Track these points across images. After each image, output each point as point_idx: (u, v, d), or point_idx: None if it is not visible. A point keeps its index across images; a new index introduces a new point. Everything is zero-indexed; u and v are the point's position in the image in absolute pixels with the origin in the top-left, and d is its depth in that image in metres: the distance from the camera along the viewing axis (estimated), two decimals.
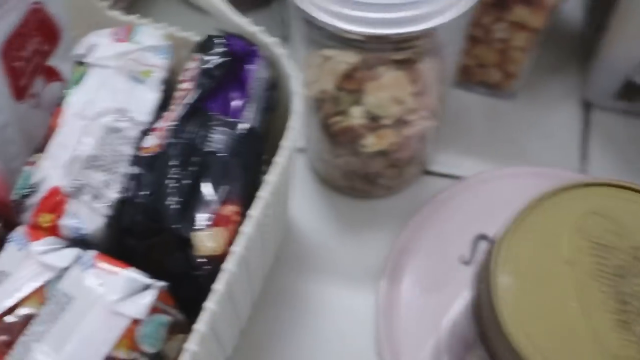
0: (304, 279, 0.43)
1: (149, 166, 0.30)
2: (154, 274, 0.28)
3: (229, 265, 0.28)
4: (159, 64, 0.33)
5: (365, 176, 0.43)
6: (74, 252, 0.28)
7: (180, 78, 0.33)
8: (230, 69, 0.32)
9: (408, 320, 0.40)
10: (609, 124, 0.48)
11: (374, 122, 0.39)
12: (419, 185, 0.46)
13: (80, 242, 0.29)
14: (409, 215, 0.44)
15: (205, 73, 0.31)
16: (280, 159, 0.31)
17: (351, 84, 0.39)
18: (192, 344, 0.27)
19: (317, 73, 0.39)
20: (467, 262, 0.41)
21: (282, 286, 0.43)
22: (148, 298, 0.26)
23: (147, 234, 0.29)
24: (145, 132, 0.31)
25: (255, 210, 0.29)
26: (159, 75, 0.33)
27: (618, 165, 0.47)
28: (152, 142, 0.30)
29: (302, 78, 0.41)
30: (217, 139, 0.31)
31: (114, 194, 0.29)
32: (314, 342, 0.41)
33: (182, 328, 0.29)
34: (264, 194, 0.30)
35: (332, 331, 0.41)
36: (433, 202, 0.44)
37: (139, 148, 0.31)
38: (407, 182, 0.45)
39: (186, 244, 0.29)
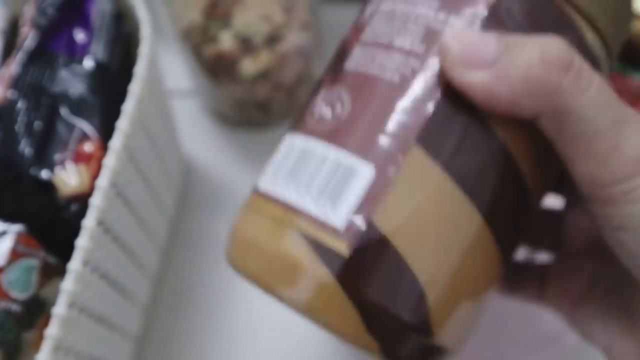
0: (216, 220, 0.42)
1: None
2: (25, 223, 0.28)
3: (95, 200, 0.28)
4: None
5: (255, 104, 0.42)
6: None
7: (21, 23, 0.31)
8: (70, 5, 0.31)
9: None
10: None
11: (246, 44, 0.38)
12: None
13: None
14: None
15: (40, 13, 0.30)
16: (135, 87, 0.30)
17: (218, 10, 0.38)
18: (67, 283, 0.26)
19: (183, 6, 0.38)
20: None
21: (192, 230, 0.42)
22: (6, 244, 0.26)
23: (6, 184, 0.28)
24: None
25: (115, 142, 0.29)
26: None
27: None
28: None
29: (169, 13, 0.40)
30: (65, 78, 0.30)
31: None
32: (235, 280, 0.40)
33: (59, 272, 0.28)
34: (121, 124, 0.29)
35: None
36: None
37: None
38: (301, 104, 0.45)
39: (48, 187, 0.28)
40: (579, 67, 0.16)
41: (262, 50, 0.38)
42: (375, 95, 0.18)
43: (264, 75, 0.40)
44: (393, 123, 0.18)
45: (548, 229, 0.25)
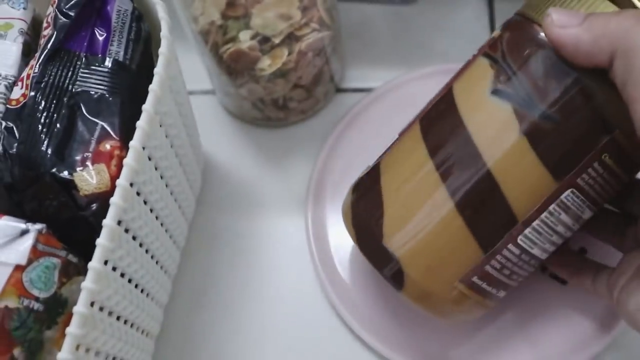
0: (233, 218, 0.42)
1: (18, 117, 0.29)
2: (46, 222, 0.28)
3: (115, 199, 0.28)
4: (17, 15, 0.32)
5: (274, 102, 0.42)
6: None
7: (44, 25, 0.32)
8: (90, 5, 0.31)
9: (337, 236, 0.40)
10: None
11: (265, 43, 0.38)
12: (334, 104, 0.45)
13: None
14: (327, 135, 0.43)
15: (61, 13, 0.30)
16: (154, 87, 0.30)
17: (236, 11, 0.38)
18: (87, 281, 0.26)
19: (201, 6, 0.38)
20: None
21: (211, 229, 0.42)
22: (28, 242, 0.26)
23: (28, 183, 0.28)
24: (12, 85, 0.30)
25: (135, 141, 0.29)
26: (19, 26, 0.31)
27: None
28: (17, 93, 0.29)
29: (187, 14, 0.40)
30: (85, 77, 0.30)
31: None
32: (252, 279, 0.40)
33: (80, 270, 0.28)
34: (141, 124, 0.29)
35: (269, 264, 0.41)
36: (347, 118, 0.43)
37: (7, 102, 0.30)
38: (320, 102, 0.45)
39: (69, 186, 0.28)
40: None
41: (280, 49, 0.38)
42: None
43: (282, 74, 0.40)
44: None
45: (611, 229, 0.32)
